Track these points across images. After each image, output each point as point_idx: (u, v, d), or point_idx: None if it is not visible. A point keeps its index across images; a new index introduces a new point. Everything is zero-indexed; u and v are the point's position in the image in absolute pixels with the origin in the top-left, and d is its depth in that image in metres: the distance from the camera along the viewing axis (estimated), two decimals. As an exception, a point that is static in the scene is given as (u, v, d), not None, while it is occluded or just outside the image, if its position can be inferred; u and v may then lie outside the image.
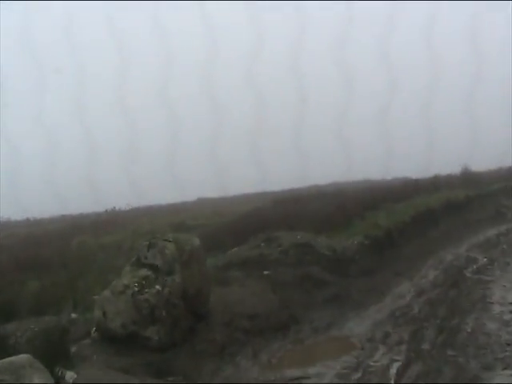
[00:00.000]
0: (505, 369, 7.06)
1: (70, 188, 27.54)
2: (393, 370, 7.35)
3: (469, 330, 8.80)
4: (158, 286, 8.05)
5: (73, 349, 7.50)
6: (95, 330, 8.19)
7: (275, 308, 9.97)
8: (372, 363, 7.69)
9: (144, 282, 8.22)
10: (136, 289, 8.10)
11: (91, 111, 32.35)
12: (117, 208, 29.77)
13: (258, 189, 30.41)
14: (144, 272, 8.46)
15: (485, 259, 14.49)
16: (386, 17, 33.91)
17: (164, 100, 30.78)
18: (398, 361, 7.68)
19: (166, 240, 8.63)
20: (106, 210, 30.38)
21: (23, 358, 5.57)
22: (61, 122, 31.98)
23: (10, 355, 5.71)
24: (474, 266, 13.91)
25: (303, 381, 7.26)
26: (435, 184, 24.98)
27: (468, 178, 27.71)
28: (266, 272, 11.75)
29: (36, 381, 5.32)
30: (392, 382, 7.01)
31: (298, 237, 14.43)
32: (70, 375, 6.24)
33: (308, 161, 30.10)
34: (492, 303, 10.27)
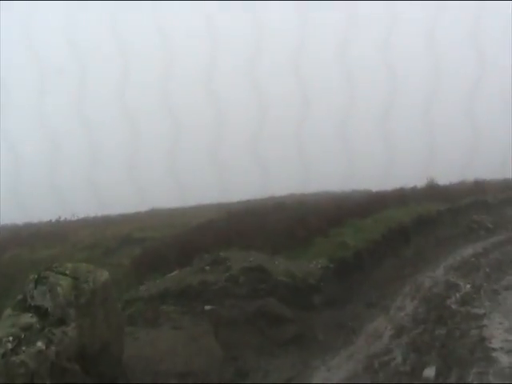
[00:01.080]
0: None
1: (71, 191, 27.19)
2: None
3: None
4: (39, 343, 5.51)
5: None
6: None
7: (217, 359, 7.54)
8: None
9: (23, 335, 5.67)
10: (9, 346, 5.54)
11: (92, 111, 32.04)
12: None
13: (217, 199, 29.20)
14: (27, 319, 5.91)
15: (468, 286, 12.41)
16: (387, 18, 33.92)
17: (165, 101, 30.58)
18: None
19: (60, 273, 6.11)
20: (51, 220, 28.09)
21: None
22: (62, 123, 32.01)
23: None
24: (458, 295, 11.79)
25: None
26: (401, 197, 23.00)
27: (434, 191, 25.93)
28: (207, 307, 9.31)
29: None
30: None
31: (251, 259, 12.05)
32: None
33: (267, 170, 29.24)
34: (494, 349, 8.09)
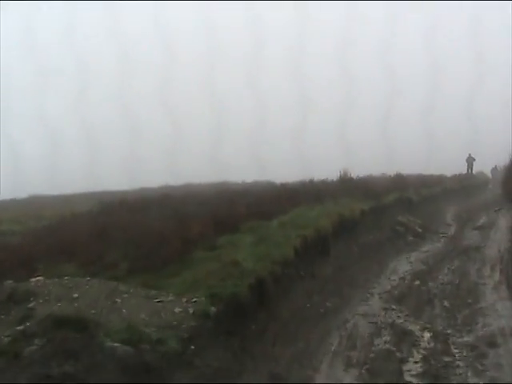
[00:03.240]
0: None
1: (71, 187, 26.19)
2: None
3: None
4: None
5: None
6: None
7: None
8: None
9: None
10: None
11: (92, 111, 32.48)
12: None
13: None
14: None
15: (428, 335, 7.91)
16: (387, 19, 34.32)
17: (164, 100, 31.13)
18: None
19: None
20: None
21: None
22: (62, 123, 32.20)
23: None
24: (415, 352, 7.28)
25: None
26: (314, 192, 18.46)
27: (351, 185, 21.73)
28: None
29: None
30: None
31: (75, 296, 6.86)
32: None
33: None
34: None
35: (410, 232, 17.79)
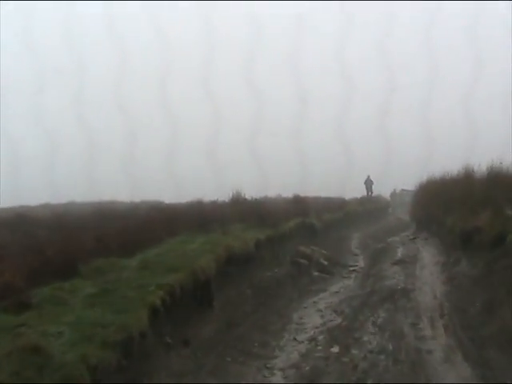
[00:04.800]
0: None
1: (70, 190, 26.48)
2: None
3: None
4: None
5: None
6: None
7: None
8: None
9: None
10: None
11: (92, 112, 32.57)
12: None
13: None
14: None
15: None
16: (386, 18, 34.00)
17: (164, 101, 31.10)
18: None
19: None
20: None
21: None
22: (61, 123, 32.52)
23: None
24: None
25: None
26: (201, 216, 14.83)
27: (242, 208, 18.38)
28: None
29: None
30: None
31: None
32: None
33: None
34: None
35: (315, 265, 14.70)
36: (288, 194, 23.33)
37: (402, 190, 39.26)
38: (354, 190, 32.58)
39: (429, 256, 12.92)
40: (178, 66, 33.58)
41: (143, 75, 33.77)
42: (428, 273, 11.36)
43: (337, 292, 11.75)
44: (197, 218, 13.95)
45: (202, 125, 31.87)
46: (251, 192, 20.20)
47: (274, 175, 27.50)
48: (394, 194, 39.96)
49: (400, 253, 14.33)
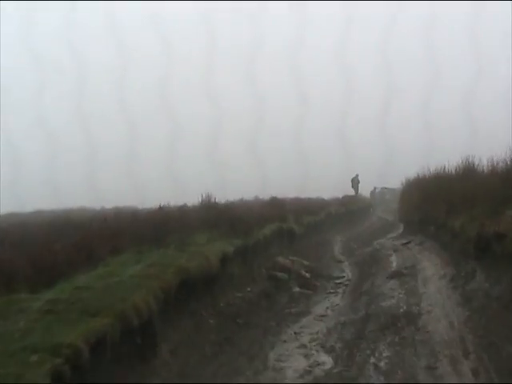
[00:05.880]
0: None
1: (70, 189, 27.16)
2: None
3: None
4: None
5: None
6: None
7: None
8: None
9: None
10: None
11: (93, 112, 32.80)
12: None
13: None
14: None
15: None
16: (386, 18, 34.67)
17: (164, 100, 31.63)
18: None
19: None
20: None
21: None
22: (62, 123, 32.54)
23: None
24: None
25: None
26: (160, 225, 12.37)
27: (212, 213, 16.01)
28: None
29: None
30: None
31: None
32: None
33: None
34: None
35: (295, 279, 12.51)
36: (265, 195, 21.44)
37: (383, 188, 37.52)
38: (337, 189, 31.30)
39: (431, 266, 10.72)
40: (178, 66, 34.45)
41: (144, 75, 34.45)
42: (435, 289, 9.16)
43: (323, 316, 9.49)
44: (152, 229, 11.59)
45: (202, 125, 32.28)
46: (246, 193, 21.35)
47: (273, 175, 27.88)
48: (373, 193, 38.13)
49: (394, 262, 12.14)
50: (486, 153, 11.91)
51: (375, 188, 37.91)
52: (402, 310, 8.36)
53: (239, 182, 26.52)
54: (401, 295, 9.26)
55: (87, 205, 23.83)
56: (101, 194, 25.85)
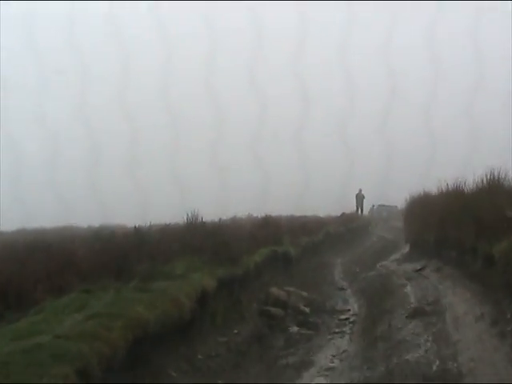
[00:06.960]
0: None
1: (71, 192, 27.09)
2: None
3: None
4: None
5: None
6: None
7: None
8: None
9: None
10: None
11: (94, 112, 32.44)
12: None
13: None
14: None
15: None
16: (387, 19, 34.82)
17: (165, 102, 31.56)
18: None
19: None
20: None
21: None
22: (63, 124, 32.70)
23: None
24: None
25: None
26: (132, 250, 10.30)
27: (197, 234, 13.95)
28: None
29: None
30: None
31: None
32: None
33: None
34: None
35: (293, 316, 10.51)
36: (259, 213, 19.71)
37: (380, 205, 35.95)
38: (335, 207, 29.80)
39: (460, 302, 8.66)
40: (178, 66, 34.49)
41: (145, 77, 34.52)
42: (473, 336, 7.11)
43: (329, 369, 7.44)
44: (120, 257, 9.53)
45: (204, 125, 32.43)
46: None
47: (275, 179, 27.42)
48: (372, 210, 36.47)
49: (412, 294, 10.08)
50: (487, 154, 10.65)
51: (373, 205, 36.27)
52: (435, 367, 6.31)
53: (239, 187, 26.72)
54: (428, 343, 7.21)
55: (75, 222, 22.63)
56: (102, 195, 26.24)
